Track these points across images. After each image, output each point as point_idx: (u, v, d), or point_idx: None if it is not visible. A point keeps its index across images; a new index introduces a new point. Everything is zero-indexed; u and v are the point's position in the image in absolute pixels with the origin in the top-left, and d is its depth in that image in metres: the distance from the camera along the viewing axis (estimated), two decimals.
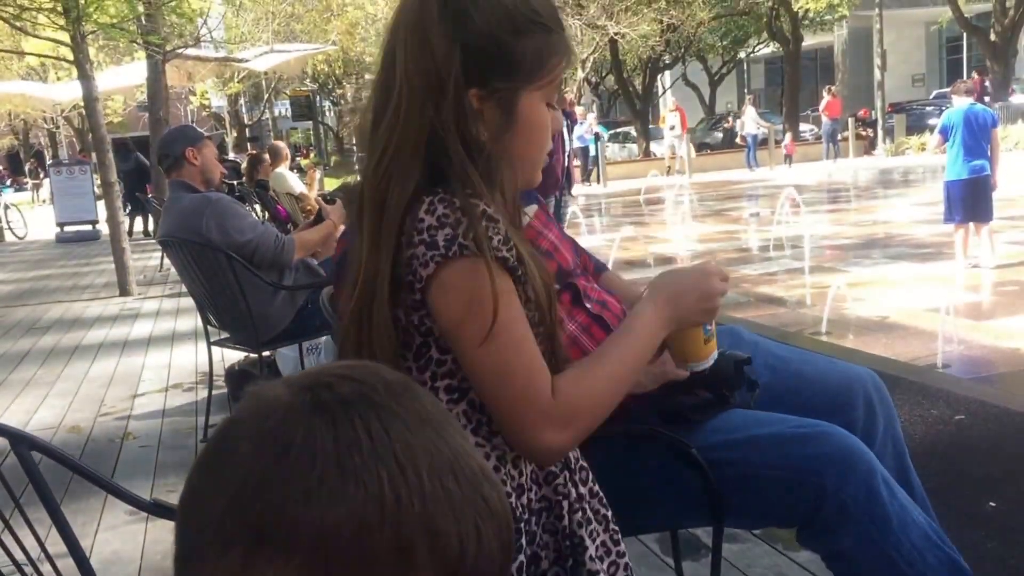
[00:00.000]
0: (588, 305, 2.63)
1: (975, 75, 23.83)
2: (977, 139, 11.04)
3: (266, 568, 0.84)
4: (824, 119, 35.42)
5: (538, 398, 1.89)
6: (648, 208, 22.74)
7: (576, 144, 29.32)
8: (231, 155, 36.14)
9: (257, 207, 13.33)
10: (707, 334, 2.18)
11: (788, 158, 34.79)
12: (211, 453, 0.91)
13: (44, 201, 41.40)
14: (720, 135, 45.60)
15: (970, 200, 11.00)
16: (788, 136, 36.78)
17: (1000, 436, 5.16)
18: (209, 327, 6.63)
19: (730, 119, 42.14)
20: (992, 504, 4.29)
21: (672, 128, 35.96)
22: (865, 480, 2.36)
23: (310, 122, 64.30)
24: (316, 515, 0.83)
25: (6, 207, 28.49)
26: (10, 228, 27.74)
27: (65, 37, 13.63)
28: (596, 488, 2.09)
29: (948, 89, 14.60)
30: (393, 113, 1.85)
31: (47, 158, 49.96)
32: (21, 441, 2.23)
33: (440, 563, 0.86)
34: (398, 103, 1.84)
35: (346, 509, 0.84)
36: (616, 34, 37.07)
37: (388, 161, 1.83)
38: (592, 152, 34.00)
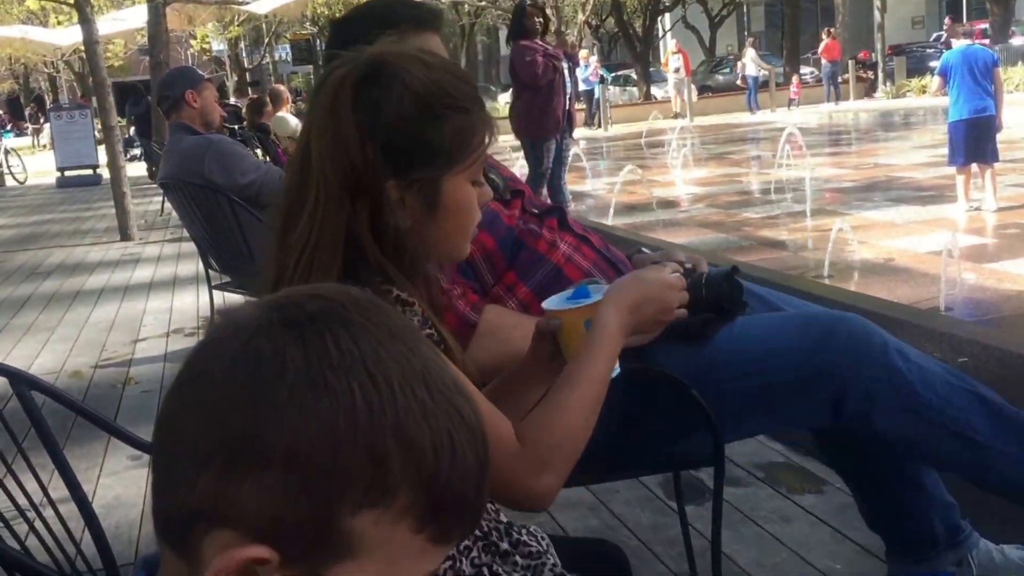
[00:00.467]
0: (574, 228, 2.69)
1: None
2: (978, 79, 10.97)
3: (242, 485, 0.85)
4: (824, 61, 35.33)
5: (506, 450, 1.83)
6: (650, 151, 22.67)
7: (582, 87, 29.23)
8: (232, 99, 36.02)
9: (258, 151, 13.29)
10: None
11: (793, 101, 34.74)
12: (184, 376, 0.92)
13: (45, 146, 41.30)
14: (721, 78, 45.48)
15: (972, 140, 10.94)
16: (795, 79, 36.68)
17: (1003, 378, 5.15)
18: (210, 271, 6.62)
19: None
20: None
21: (676, 71, 35.83)
22: (880, 360, 2.49)
23: (311, 66, 64.00)
24: (289, 429, 0.84)
25: (6, 152, 28.42)
26: (11, 173, 27.69)
27: None
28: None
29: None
30: (311, 210, 1.76)
31: (47, 102, 49.81)
32: (21, 380, 2.23)
33: (415, 475, 0.87)
34: (315, 200, 1.76)
35: (318, 422, 0.84)
36: None
37: (308, 257, 1.75)
38: (596, 95, 33.88)
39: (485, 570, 1.79)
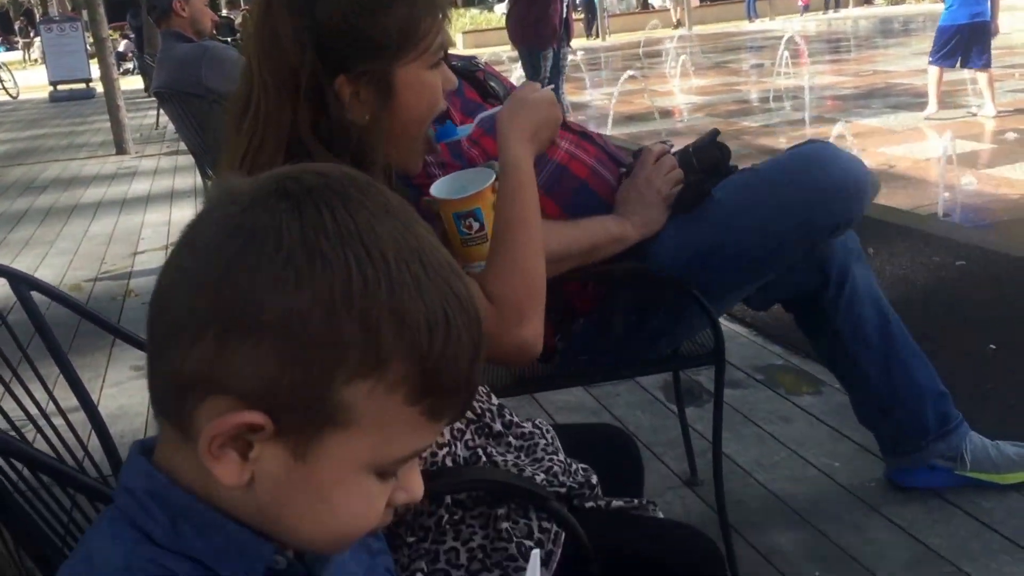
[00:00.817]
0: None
1: None
2: None
3: (236, 352, 0.85)
4: None
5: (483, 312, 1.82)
6: (648, 61, 22.52)
7: None
8: (224, 11, 35.68)
9: None
10: (463, 236, 2.06)
11: (805, 7, 34.58)
12: (180, 247, 0.92)
13: (36, 60, 40.99)
14: None
15: (965, 45, 10.86)
16: None
17: (1000, 280, 5.17)
18: (207, 182, 6.60)
19: None
20: (992, 346, 4.30)
21: None
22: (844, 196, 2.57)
23: None
24: (283, 297, 0.85)
25: None
26: (3, 87, 27.52)
27: None
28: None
29: None
30: (254, 111, 1.75)
31: (37, 16, 49.34)
32: (21, 281, 2.22)
33: (408, 349, 0.88)
34: (257, 104, 1.75)
35: (312, 292, 0.85)
36: None
37: (251, 159, 1.74)
38: (594, 4, 33.60)
39: (480, 451, 1.82)
